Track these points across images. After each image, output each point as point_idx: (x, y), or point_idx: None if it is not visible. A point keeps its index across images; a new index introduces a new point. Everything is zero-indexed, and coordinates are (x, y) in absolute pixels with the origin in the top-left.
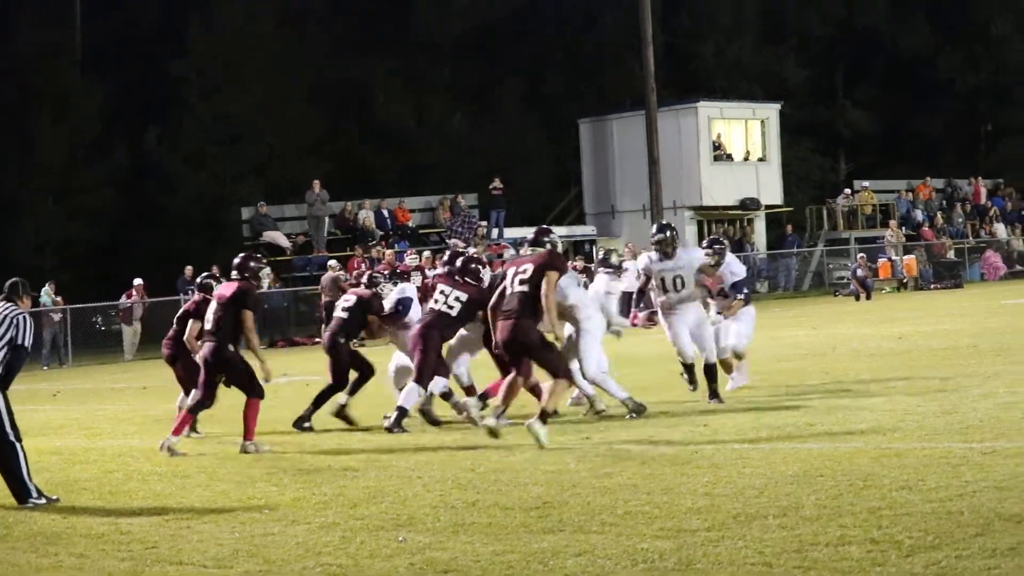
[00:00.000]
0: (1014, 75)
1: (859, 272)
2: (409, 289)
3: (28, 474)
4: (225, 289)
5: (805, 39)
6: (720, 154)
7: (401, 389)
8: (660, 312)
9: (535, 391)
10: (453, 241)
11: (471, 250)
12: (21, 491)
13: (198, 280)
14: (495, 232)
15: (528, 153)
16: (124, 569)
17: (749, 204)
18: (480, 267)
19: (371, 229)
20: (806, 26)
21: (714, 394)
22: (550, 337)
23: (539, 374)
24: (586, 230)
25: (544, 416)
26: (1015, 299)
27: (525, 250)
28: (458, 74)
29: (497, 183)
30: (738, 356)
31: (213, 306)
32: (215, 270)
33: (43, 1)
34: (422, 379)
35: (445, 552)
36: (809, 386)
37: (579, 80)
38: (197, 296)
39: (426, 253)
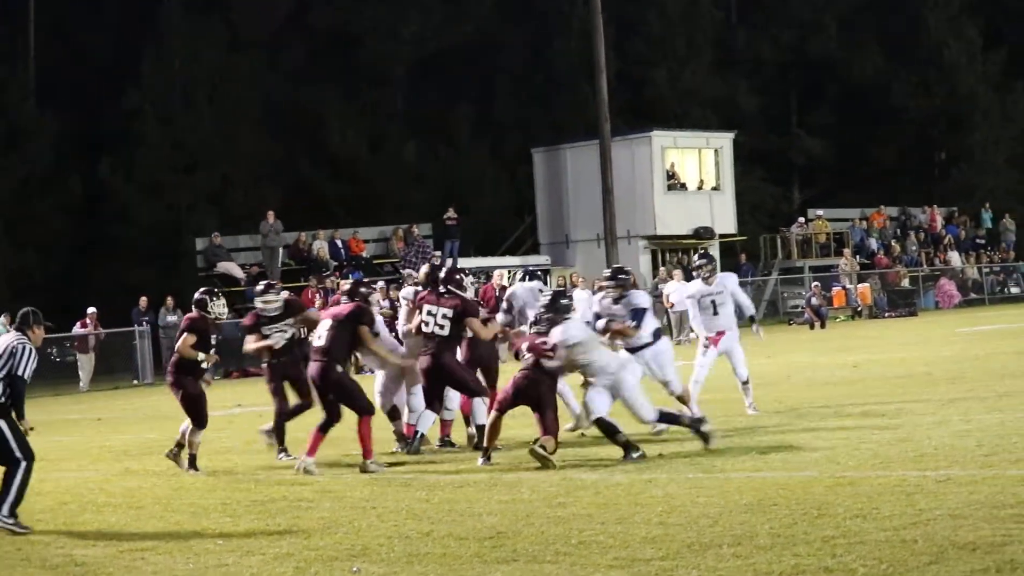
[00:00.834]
0: (967, 102)
1: (813, 300)
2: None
3: (16, 495)
4: (341, 309)
5: (757, 66)
6: (674, 183)
7: (386, 408)
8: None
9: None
10: (407, 272)
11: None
12: None
13: (196, 296)
14: (449, 262)
15: (482, 182)
16: None
17: (703, 233)
18: (463, 277)
19: (325, 260)
20: (758, 53)
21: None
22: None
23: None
24: (540, 259)
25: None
26: (969, 327)
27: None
28: (410, 102)
29: (451, 213)
30: (682, 400)
31: (327, 324)
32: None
33: None
34: (470, 390)
35: None
36: (763, 415)
37: (532, 108)
38: (195, 313)
39: (380, 284)
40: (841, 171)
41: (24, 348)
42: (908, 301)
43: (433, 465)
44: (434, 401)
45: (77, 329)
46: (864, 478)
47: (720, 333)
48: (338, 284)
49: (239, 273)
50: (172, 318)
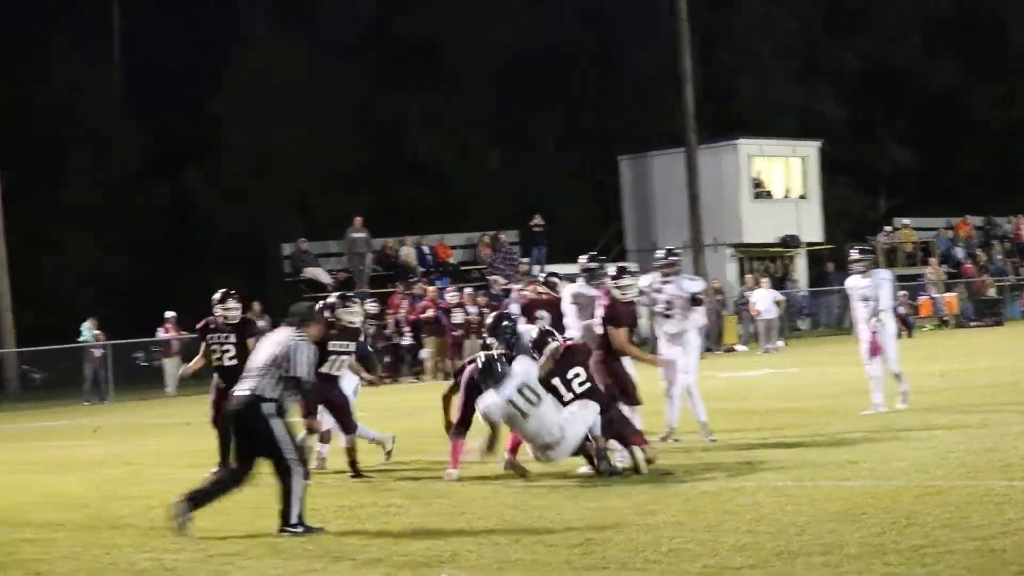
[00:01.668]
0: None
1: (900, 309)
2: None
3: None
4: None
5: (842, 76)
6: (760, 191)
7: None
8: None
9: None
10: (494, 278)
11: (514, 287)
12: (286, 514)
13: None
14: (536, 268)
15: (567, 189)
16: None
17: (790, 241)
18: (511, 321)
19: (412, 266)
20: (842, 63)
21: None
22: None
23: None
24: (629, 266)
25: None
26: None
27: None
28: (496, 110)
29: (538, 219)
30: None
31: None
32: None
33: (82, 41)
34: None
35: None
36: (852, 423)
37: (616, 117)
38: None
39: (467, 290)
40: (926, 180)
41: (299, 346)
42: (994, 310)
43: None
44: None
45: (160, 334)
46: (952, 488)
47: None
48: (425, 291)
49: (326, 279)
50: (260, 323)
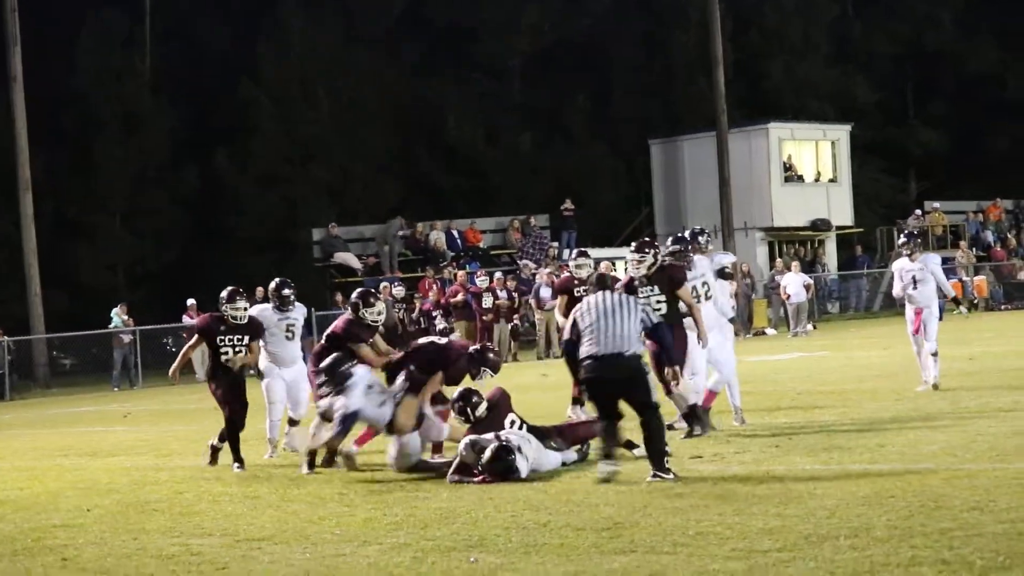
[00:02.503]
0: None
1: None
2: None
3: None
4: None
5: (873, 58)
6: (791, 175)
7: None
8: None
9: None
10: (524, 262)
11: (542, 271)
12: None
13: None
14: (566, 253)
15: (598, 173)
16: None
17: (820, 225)
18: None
19: (442, 250)
20: (874, 45)
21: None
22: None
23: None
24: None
25: None
26: None
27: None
28: (527, 95)
29: (568, 204)
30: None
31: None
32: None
33: (111, 25)
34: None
35: (516, 573)
36: (881, 407)
37: (648, 100)
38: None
39: (497, 274)
40: (957, 163)
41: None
42: None
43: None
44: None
45: (186, 320)
46: (981, 471)
47: (919, 311)
48: (455, 275)
49: (356, 264)
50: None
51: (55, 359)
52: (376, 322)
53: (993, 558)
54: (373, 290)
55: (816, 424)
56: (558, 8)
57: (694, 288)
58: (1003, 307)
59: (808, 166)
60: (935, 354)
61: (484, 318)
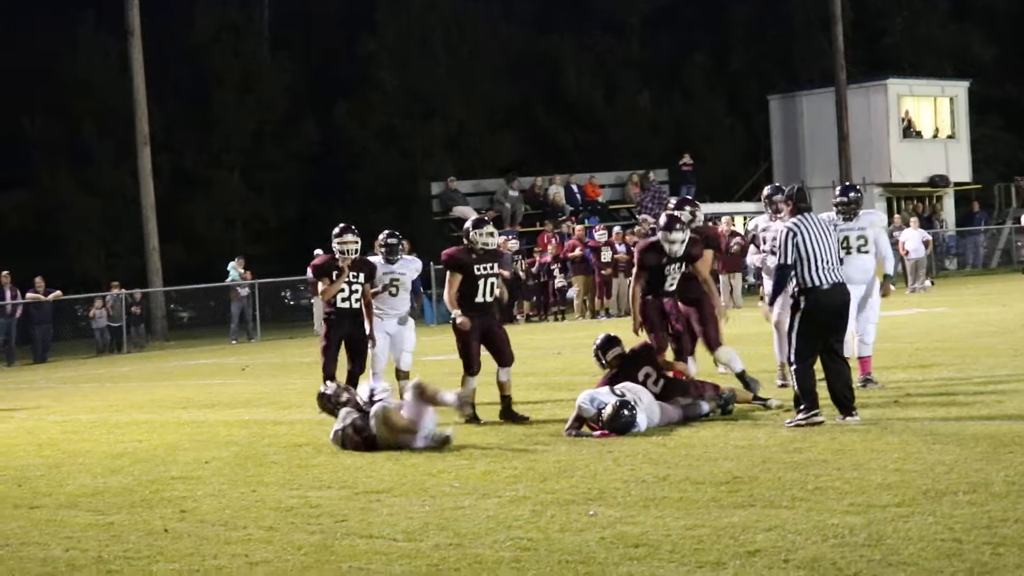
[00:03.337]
0: None
1: None
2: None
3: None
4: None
5: (991, 15)
6: (909, 131)
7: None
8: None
9: None
10: (643, 217)
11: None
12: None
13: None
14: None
15: (717, 129)
16: (314, 543)
17: (938, 181)
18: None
19: (561, 204)
20: (992, 1)
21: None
22: None
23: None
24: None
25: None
26: None
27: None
28: (645, 51)
29: (687, 159)
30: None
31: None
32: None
33: None
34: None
35: (636, 526)
36: (1000, 362)
37: (767, 57)
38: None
39: (616, 228)
40: None
41: (785, 230)
42: None
43: None
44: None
45: (309, 273)
46: None
47: None
48: (573, 229)
49: (475, 217)
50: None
51: (173, 312)
52: (487, 244)
53: None
54: (484, 217)
55: (934, 380)
56: None
57: (845, 239)
58: None
59: (926, 122)
60: None
61: (603, 272)
